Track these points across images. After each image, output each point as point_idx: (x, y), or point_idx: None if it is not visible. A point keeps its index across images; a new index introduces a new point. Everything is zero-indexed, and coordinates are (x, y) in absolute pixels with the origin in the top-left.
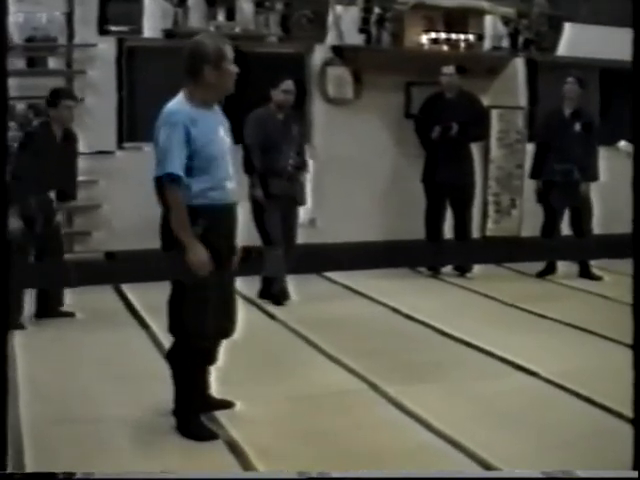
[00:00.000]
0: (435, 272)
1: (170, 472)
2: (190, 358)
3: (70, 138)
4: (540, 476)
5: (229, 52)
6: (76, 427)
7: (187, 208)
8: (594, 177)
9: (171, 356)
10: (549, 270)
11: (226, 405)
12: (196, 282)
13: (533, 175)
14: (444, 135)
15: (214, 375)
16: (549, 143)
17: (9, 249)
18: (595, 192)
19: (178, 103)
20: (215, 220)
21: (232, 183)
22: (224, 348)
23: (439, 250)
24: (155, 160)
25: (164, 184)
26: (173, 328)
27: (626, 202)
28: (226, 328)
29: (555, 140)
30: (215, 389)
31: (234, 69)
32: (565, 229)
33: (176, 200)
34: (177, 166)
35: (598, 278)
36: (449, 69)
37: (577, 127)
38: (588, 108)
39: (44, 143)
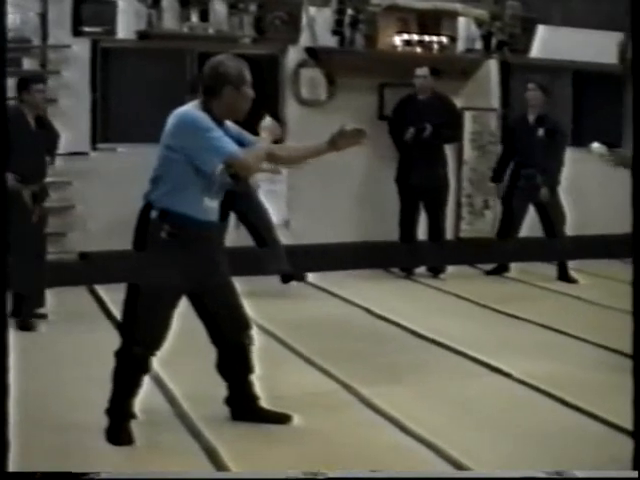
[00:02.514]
0: (408, 273)
1: (171, 472)
2: (132, 363)
3: (45, 127)
4: (538, 476)
5: (249, 76)
6: (55, 430)
7: (159, 210)
8: (554, 182)
9: (118, 356)
10: (501, 268)
11: (282, 419)
12: (152, 289)
13: (494, 179)
14: (417, 137)
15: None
16: (514, 148)
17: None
18: (567, 194)
19: (196, 110)
20: (181, 230)
21: (213, 202)
22: (193, 349)
23: (413, 251)
24: (199, 161)
25: (232, 164)
26: (122, 328)
27: (599, 203)
28: (236, 339)
29: (519, 145)
30: (189, 390)
31: (251, 94)
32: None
33: (249, 159)
34: (231, 145)
35: (574, 281)
36: (423, 71)
37: (540, 133)
38: (553, 114)
39: (17, 128)
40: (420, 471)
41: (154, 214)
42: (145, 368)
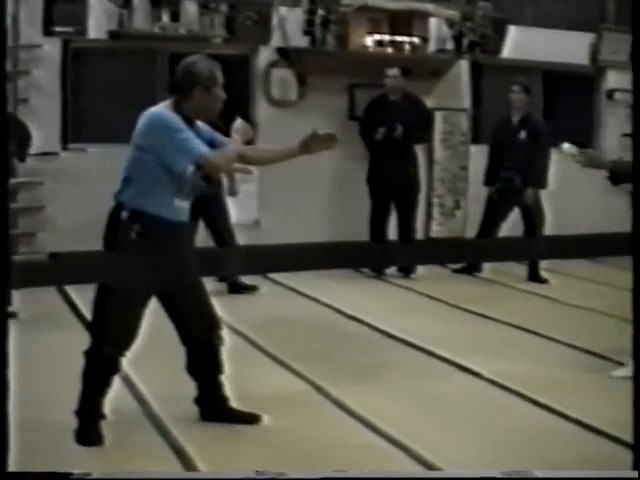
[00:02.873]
0: (379, 273)
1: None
2: (102, 363)
3: (14, 126)
4: (495, 476)
5: (220, 77)
6: (23, 430)
7: (129, 210)
8: (541, 184)
9: (87, 356)
10: (471, 267)
11: (251, 419)
12: (122, 289)
13: (487, 182)
14: (388, 137)
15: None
16: (501, 150)
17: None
18: (542, 193)
19: (167, 111)
20: (151, 230)
21: (183, 202)
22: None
23: (383, 251)
24: (169, 161)
25: (202, 165)
26: (92, 328)
27: (570, 204)
28: (206, 339)
29: (503, 147)
30: (159, 390)
31: (223, 95)
32: (514, 231)
33: (219, 160)
34: (201, 146)
35: (544, 281)
36: (394, 71)
37: (523, 135)
38: (536, 116)
39: None
40: (389, 471)
41: (124, 214)
42: (115, 368)
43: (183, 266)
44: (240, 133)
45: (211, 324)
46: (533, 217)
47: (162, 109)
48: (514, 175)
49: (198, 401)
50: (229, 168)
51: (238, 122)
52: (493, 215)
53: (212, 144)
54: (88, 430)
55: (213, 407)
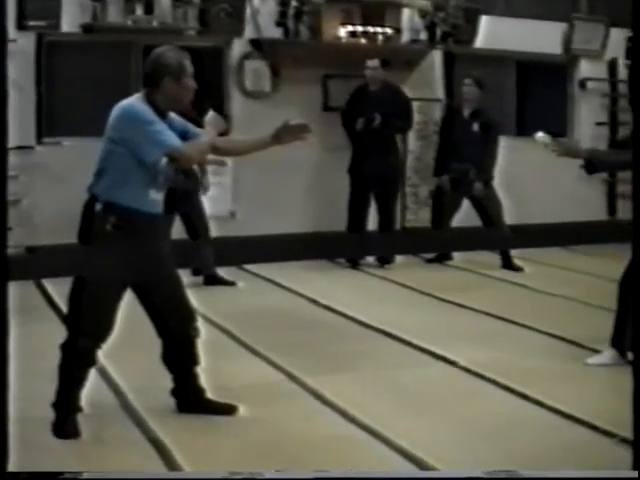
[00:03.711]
0: (354, 263)
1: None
2: (78, 355)
3: None
4: (481, 476)
5: (189, 67)
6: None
7: (103, 202)
8: (490, 177)
9: (64, 348)
10: (442, 256)
11: (228, 410)
12: (97, 282)
13: (436, 173)
14: (367, 126)
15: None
16: (451, 142)
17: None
18: (507, 182)
19: (139, 103)
20: (126, 222)
21: (158, 195)
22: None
23: (359, 242)
24: (141, 153)
25: (174, 157)
26: (68, 321)
27: (539, 192)
28: (182, 331)
29: (454, 140)
30: (135, 383)
31: (193, 85)
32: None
33: (191, 152)
34: (173, 138)
35: (519, 269)
36: (373, 62)
37: (475, 127)
38: (496, 104)
39: None
40: (371, 471)
41: (99, 207)
42: (91, 361)
43: (158, 258)
44: (212, 125)
45: (187, 316)
46: (486, 208)
47: (134, 101)
48: (468, 167)
49: (174, 393)
50: (202, 159)
51: (210, 114)
52: (442, 205)
53: (185, 136)
54: (64, 423)
55: (189, 398)
